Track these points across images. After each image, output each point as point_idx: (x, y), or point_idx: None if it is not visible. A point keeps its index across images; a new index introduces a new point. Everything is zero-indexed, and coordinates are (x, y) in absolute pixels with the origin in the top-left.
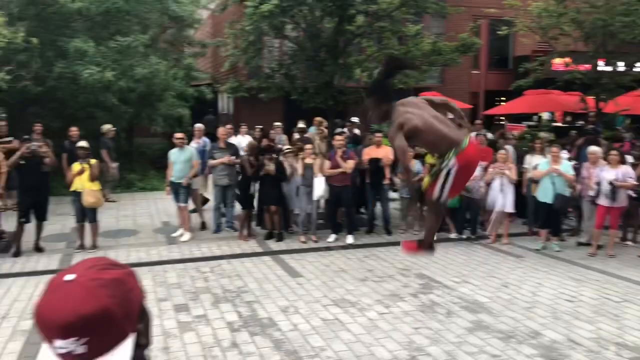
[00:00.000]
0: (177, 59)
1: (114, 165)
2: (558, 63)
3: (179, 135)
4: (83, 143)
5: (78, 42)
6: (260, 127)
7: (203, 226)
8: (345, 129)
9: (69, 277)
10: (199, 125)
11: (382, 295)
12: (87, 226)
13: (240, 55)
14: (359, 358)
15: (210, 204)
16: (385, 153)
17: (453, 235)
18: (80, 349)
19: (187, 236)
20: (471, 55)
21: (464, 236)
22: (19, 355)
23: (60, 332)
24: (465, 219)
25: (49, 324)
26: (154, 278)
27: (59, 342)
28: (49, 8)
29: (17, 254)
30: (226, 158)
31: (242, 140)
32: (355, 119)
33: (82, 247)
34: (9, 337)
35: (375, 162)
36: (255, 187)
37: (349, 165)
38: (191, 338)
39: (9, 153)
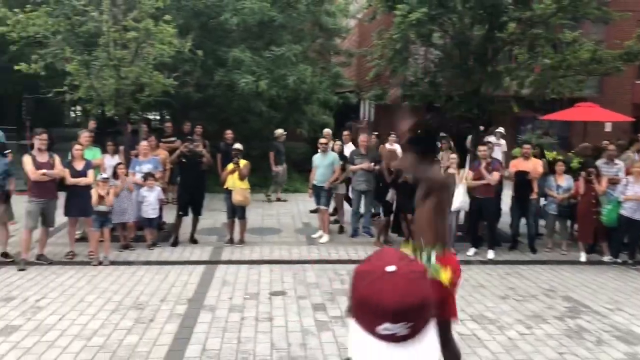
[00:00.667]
0: (324, 68)
1: (279, 168)
2: None
3: (323, 140)
4: (238, 145)
5: (236, 52)
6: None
7: (341, 230)
8: (492, 139)
9: (390, 268)
10: (326, 130)
11: (523, 315)
12: (237, 222)
13: (386, 65)
14: None
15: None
16: (533, 166)
17: (606, 259)
18: (404, 332)
19: (325, 238)
20: (636, 65)
21: (619, 260)
22: (174, 336)
23: (391, 317)
24: (622, 241)
25: (380, 309)
26: (295, 276)
27: (386, 325)
28: (212, 21)
29: (175, 244)
30: (365, 164)
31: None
32: (501, 129)
33: (231, 241)
34: (166, 319)
35: (522, 175)
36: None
37: (494, 177)
38: (328, 337)
39: (172, 151)
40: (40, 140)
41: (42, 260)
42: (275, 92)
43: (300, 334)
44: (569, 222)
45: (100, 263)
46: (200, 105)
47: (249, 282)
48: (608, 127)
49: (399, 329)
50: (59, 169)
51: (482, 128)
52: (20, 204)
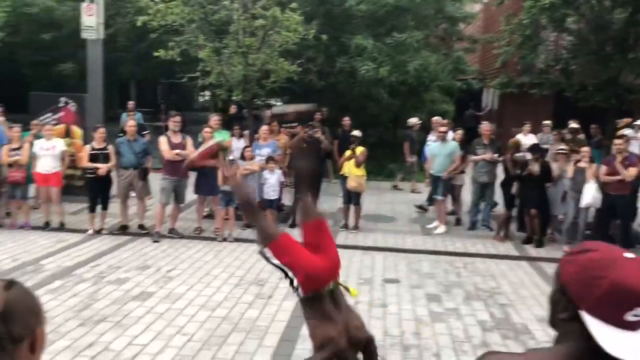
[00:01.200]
0: (447, 54)
1: (413, 158)
2: None
3: (442, 128)
4: (356, 132)
5: (359, 38)
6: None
7: (458, 222)
8: (629, 132)
9: (627, 254)
10: (436, 118)
11: None
12: (352, 208)
13: (514, 51)
14: None
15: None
16: None
17: None
18: None
19: (441, 229)
20: None
21: None
22: (291, 314)
23: None
24: None
25: (634, 293)
26: (409, 265)
27: (637, 310)
28: (336, 7)
29: (293, 225)
30: (488, 155)
31: (525, 140)
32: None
33: (345, 226)
34: (284, 297)
35: None
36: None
37: (631, 172)
38: (442, 329)
39: (293, 137)
40: (174, 122)
41: (173, 233)
42: (395, 78)
43: (413, 323)
44: None
45: (224, 239)
46: (321, 91)
47: (363, 267)
48: None
49: None
50: (190, 150)
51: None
52: (156, 181)
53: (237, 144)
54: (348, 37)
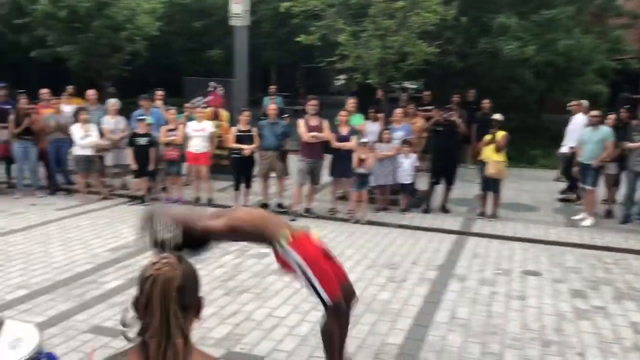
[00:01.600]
0: (602, 32)
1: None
2: None
3: (594, 113)
4: (497, 116)
5: (502, 17)
6: None
7: (609, 214)
8: None
9: None
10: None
11: None
12: (490, 195)
13: None
14: None
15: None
16: None
17: None
18: None
19: (589, 221)
20: None
21: None
22: (424, 299)
23: None
24: None
25: None
26: (551, 258)
27: None
28: None
29: (427, 211)
30: None
31: None
32: None
33: (482, 214)
34: (417, 282)
35: None
36: None
37: None
38: (587, 327)
39: (429, 120)
40: (311, 105)
41: (309, 213)
42: (542, 58)
43: (555, 318)
44: None
45: (357, 221)
46: (459, 73)
47: (501, 257)
48: None
49: None
50: (327, 133)
51: None
52: (294, 162)
53: (372, 127)
54: (490, 17)
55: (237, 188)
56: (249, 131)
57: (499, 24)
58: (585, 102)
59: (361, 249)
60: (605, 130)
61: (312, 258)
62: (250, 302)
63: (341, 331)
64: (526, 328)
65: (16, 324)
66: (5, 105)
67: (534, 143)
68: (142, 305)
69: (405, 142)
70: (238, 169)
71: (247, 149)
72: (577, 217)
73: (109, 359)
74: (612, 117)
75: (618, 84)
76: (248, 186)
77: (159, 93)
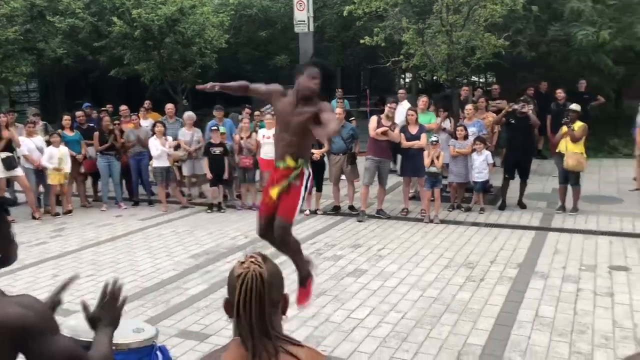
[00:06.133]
0: None
1: None
2: None
3: None
4: (574, 106)
5: (575, 2)
6: None
7: None
8: None
9: None
10: None
11: None
12: (570, 189)
13: None
14: None
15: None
16: None
17: None
18: None
19: None
20: None
21: None
22: (505, 298)
23: None
24: None
25: None
26: None
27: None
28: None
29: (502, 207)
30: None
31: None
32: None
33: (562, 208)
34: (496, 281)
35: None
36: None
37: None
38: None
39: (499, 112)
40: (390, 107)
41: (380, 214)
42: (620, 42)
43: None
44: None
45: (431, 221)
46: (529, 64)
47: (585, 252)
48: None
49: None
50: (396, 133)
51: None
52: (363, 164)
53: (443, 125)
54: (561, 3)
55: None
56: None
57: (571, 9)
58: None
59: (437, 248)
60: None
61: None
62: (328, 304)
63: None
64: (617, 326)
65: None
66: (89, 124)
67: (614, 132)
68: (236, 303)
69: (478, 138)
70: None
71: (317, 153)
72: None
73: (209, 354)
74: None
75: None
76: (319, 190)
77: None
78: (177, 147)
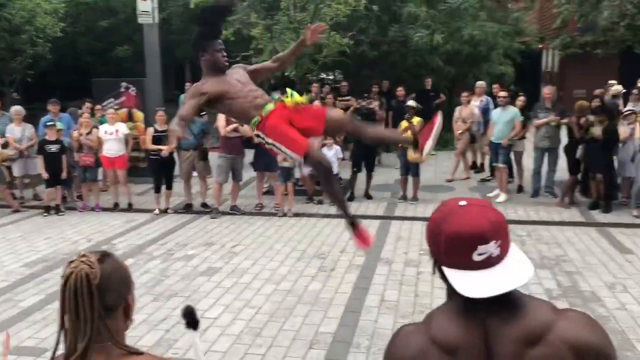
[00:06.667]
0: (504, 16)
1: None
2: None
3: (503, 93)
4: (411, 102)
5: (411, 6)
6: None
7: (520, 189)
8: None
9: (462, 202)
10: (480, 83)
11: None
12: (410, 179)
13: (574, 10)
14: None
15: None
16: None
17: None
18: (497, 251)
19: (502, 197)
20: None
21: None
22: (354, 285)
23: (480, 239)
24: None
25: (468, 236)
26: None
27: (481, 249)
28: None
29: (351, 198)
30: (550, 118)
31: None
32: None
33: (404, 197)
34: (346, 270)
35: None
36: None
37: None
38: None
39: (347, 109)
40: None
41: (235, 210)
42: (450, 46)
43: None
44: None
45: (285, 214)
46: (373, 63)
47: (424, 238)
48: None
49: (492, 248)
50: (248, 128)
51: None
52: (215, 160)
53: None
54: (399, 6)
55: (157, 190)
56: (166, 131)
57: (408, 13)
58: (481, 83)
59: (290, 241)
60: (514, 110)
61: (270, 127)
62: (180, 305)
63: (327, 169)
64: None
65: None
66: None
67: (447, 127)
68: (60, 308)
69: None
70: (157, 171)
71: (165, 149)
72: (491, 194)
73: None
74: (521, 98)
75: (522, 65)
76: (169, 187)
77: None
78: (5, 144)
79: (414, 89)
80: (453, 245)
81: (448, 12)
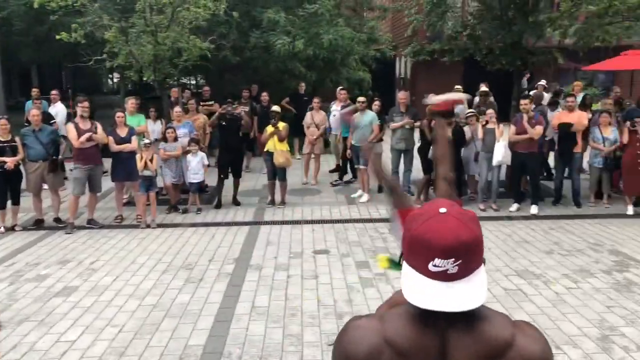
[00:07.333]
0: (359, 24)
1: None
2: None
3: (361, 99)
4: (275, 107)
5: (270, 12)
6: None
7: (380, 189)
8: (533, 92)
9: (442, 209)
10: (341, 89)
11: (569, 270)
12: (277, 184)
13: (423, 20)
14: (544, 331)
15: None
16: (578, 118)
17: None
18: (454, 270)
19: (365, 197)
20: None
21: None
22: (224, 294)
23: (442, 253)
24: None
25: (432, 245)
26: (337, 235)
27: (437, 261)
28: None
29: (219, 206)
30: (405, 121)
31: None
32: (543, 82)
33: (272, 202)
34: (215, 279)
35: (565, 127)
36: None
37: (537, 131)
38: (373, 294)
39: (211, 115)
40: (82, 107)
41: (92, 224)
42: (311, 52)
43: (345, 291)
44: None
45: (148, 226)
46: (236, 68)
47: (293, 241)
48: None
49: (449, 265)
50: (101, 135)
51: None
52: (69, 171)
53: (154, 127)
54: (259, 12)
55: (2, 207)
56: (10, 141)
57: (267, 19)
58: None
59: (154, 253)
60: (372, 114)
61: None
62: (32, 330)
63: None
64: (321, 305)
65: None
66: None
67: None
68: None
69: (192, 140)
70: (2, 185)
71: (9, 161)
72: (355, 195)
73: None
74: (377, 103)
75: (379, 71)
76: (16, 203)
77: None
78: None
79: (278, 94)
80: (414, 247)
81: (307, 18)
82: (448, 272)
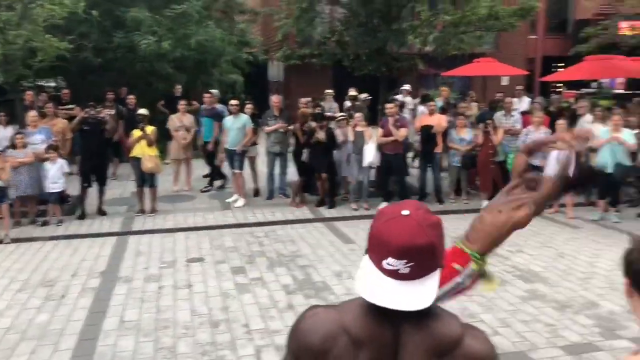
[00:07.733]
0: (230, 26)
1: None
2: (625, 27)
3: (233, 102)
4: (143, 110)
5: (135, 11)
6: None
7: (256, 193)
8: (398, 97)
9: (405, 212)
10: (213, 91)
11: None
12: (147, 191)
13: (293, 25)
14: None
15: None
16: (438, 120)
17: None
18: (405, 270)
19: (241, 202)
20: (528, 20)
21: None
22: (89, 310)
23: (396, 253)
24: None
25: (388, 244)
26: (212, 242)
27: (390, 260)
28: None
29: (82, 216)
30: (279, 125)
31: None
32: (407, 87)
33: (142, 211)
34: (79, 294)
35: (427, 129)
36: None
37: (402, 133)
38: (249, 299)
39: (71, 120)
40: None
41: None
42: (179, 53)
43: (220, 298)
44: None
45: (0, 241)
46: (100, 69)
47: (164, 250)
48: (505, 81)
49: (401, 265)
50: None
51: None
52: None
53: (4, 133)
54: (123, 11)
55: None
56: None
57: (131, 18)
58: (215, 92)
59: (8, 271)
60: (245, 118)
61: None
62: None
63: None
64: (195, 314)
65: None
66: None
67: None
68: None
69: (51, 147)
70: None
71: None
72: (230, 200)
73: None
74: (249, 106)
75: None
76: None
77: None
78: None
79: (147, 97)
80: (373, 244)
81: (174, 18)
82: (399, 271)
